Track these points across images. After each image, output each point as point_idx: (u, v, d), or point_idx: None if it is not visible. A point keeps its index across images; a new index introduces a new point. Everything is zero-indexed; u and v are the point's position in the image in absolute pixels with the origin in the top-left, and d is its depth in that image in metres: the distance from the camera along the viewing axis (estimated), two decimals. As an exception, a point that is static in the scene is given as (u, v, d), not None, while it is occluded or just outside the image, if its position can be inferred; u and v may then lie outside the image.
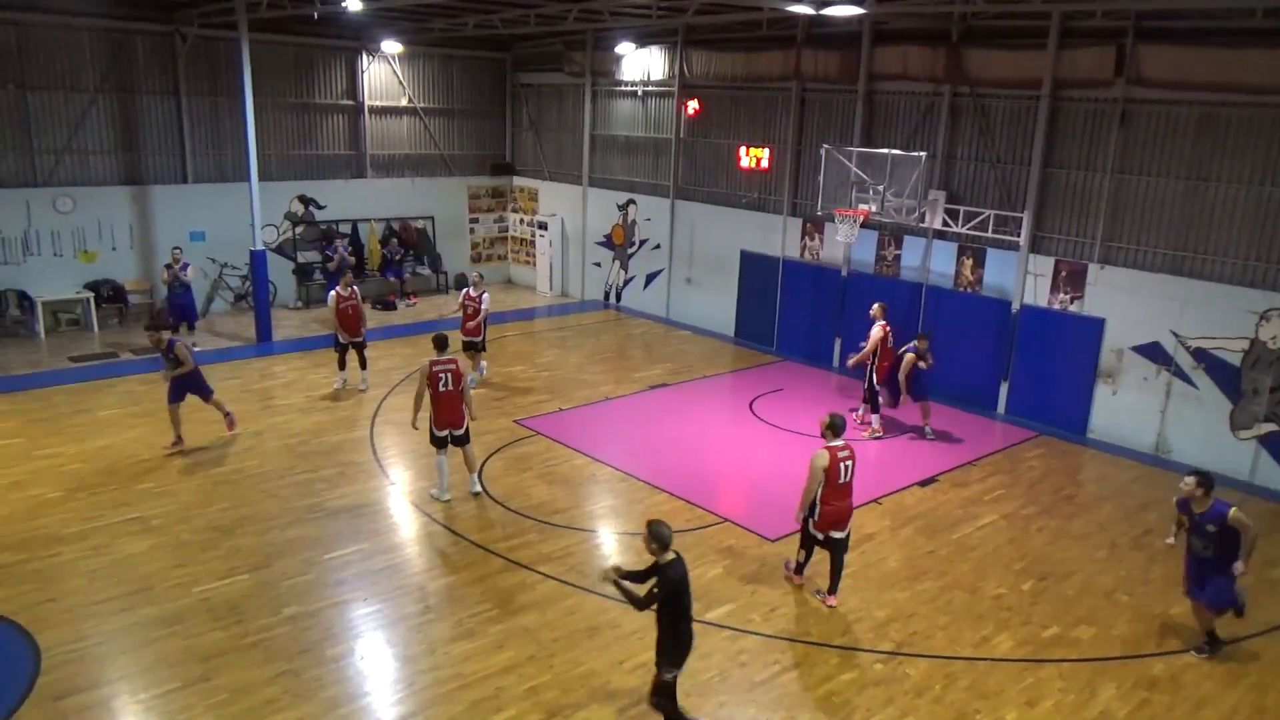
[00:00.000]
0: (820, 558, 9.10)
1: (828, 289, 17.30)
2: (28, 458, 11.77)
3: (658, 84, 19.99)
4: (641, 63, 20.03)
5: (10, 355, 16.11)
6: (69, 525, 9.99)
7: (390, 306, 21.07)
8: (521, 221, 24.06)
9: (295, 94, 20.35)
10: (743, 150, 18.37)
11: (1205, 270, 12.86)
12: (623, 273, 21.81)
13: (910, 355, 13.23)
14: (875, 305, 13.79)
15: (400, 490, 11.34)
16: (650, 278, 21.10)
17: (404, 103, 22.11)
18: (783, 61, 17.04)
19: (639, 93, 20.56)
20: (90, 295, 17.77)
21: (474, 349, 15.39)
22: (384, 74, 21.66)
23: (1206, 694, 7.87)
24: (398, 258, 21.99)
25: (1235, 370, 12.59)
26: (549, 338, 19.33)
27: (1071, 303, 14.15)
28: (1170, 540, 8.66)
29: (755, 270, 18.63)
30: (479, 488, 11.16)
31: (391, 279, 21.70)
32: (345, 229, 21.42)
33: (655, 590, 6.43)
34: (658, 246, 20.69)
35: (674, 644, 6.60)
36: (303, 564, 9.37)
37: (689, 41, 18.94)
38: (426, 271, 22.82)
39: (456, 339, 14.78)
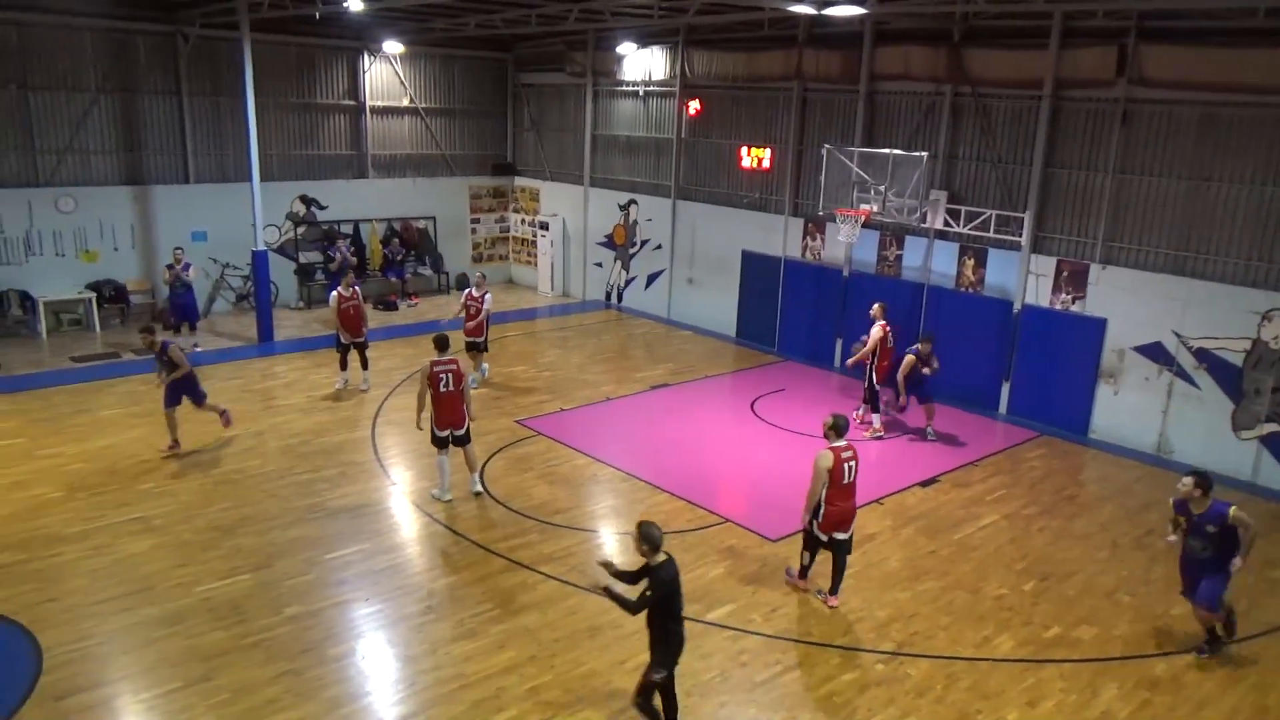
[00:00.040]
0: (822, 558, 9.10)
1: (829, 289, 17.29)
2: (29, 457, 11.78)
3: (659, 84, 19.98)
4: (643, 63, 20.02)
5: (12, 355, 16.12)
6: (70, 525, 10.00)
7: (392, 307, 21.08)
8: (523, 221, 24.06)
9: (297, 94, 20.37)
10: (744, 150, 18.35)
11: (1207, 270, 12.85)
12: (624, 273, 21.81)
13: (911, 356, 13.25)
14: (875, 305, 13.80)
15: (401, 490, 11.35)
16: (651, 278, 21.10)
17: (405, 103, 22.11)
18: (784, 61, 17.03)
19: (640, 93, 20.55)
20: (92, 295, 17.78)
21: (476, 349, 15.40)
22: (385, 74, 21.67)
23: (1208, 694, 7.86)
24: (399, 258, 22.00)
25: (1237, 370, 12.58)
26: (550, 338, 19.34)
27: (1073, 303, 14.14)
28: (1171, 538, 8.64)
29: (757, 270, 18.62)
30: (480, 488, 11.16)
31: (393, 279, 21.72)
32: (347, 229, 21.43)
33: (648, 593, 6.38)
34: (659, 247, 20.68)
35: (664, 645, 6.57)
36: (304, 564, 9.38)
37: (690, 41, 18.93)
38: (428, 272, 22.83)
39: (458, 339, 14.80)
